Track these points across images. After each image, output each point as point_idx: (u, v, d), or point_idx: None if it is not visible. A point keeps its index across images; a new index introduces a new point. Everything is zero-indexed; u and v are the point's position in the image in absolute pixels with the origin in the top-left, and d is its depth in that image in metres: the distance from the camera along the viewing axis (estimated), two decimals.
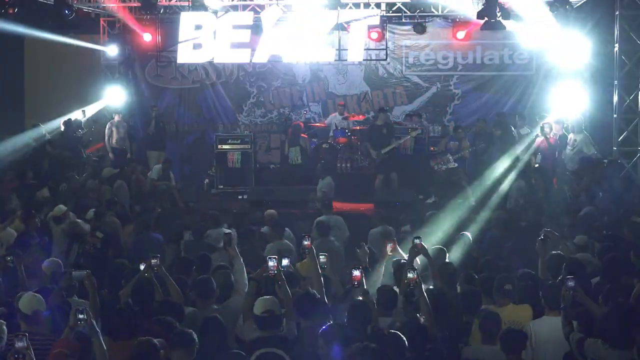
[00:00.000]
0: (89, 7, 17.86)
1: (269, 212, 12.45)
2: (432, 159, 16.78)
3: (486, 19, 16.15)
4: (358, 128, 17.92)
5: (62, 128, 17.75)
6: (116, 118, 18.18)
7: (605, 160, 16.01)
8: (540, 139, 16.17)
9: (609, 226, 11.15)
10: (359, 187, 16.68)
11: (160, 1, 17.28)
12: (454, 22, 18.59)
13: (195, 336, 6.22)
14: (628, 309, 6.45)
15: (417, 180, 16.56)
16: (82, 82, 18.97)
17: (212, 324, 6.73)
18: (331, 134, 18.02)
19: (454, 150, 16.59)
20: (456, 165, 16.47)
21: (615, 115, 17.45)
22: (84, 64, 18.96)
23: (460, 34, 18.59)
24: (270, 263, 7.26)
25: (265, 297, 6.89)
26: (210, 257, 9.17)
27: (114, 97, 18.95)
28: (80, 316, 6.08)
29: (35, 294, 6.99)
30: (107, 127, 18.22)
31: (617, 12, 17.17)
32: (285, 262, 7.77)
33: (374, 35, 17.47)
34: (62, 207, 12.02)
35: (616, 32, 17.30)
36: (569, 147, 16.41)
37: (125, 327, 6.71)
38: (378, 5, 17.62)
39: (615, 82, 17.35)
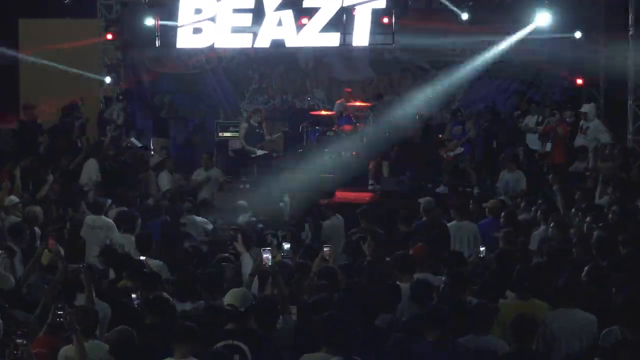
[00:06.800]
0: None
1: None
2: (441, 147, 16.81)
3: None
4: (363, 116, 17.89)
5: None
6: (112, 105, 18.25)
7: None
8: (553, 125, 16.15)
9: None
10: (365, 177, 16.68)
11: None
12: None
13: (197, 328, 6.34)
14: None
15: (425, 168, 16.58)
16: (79, 65, 18.88)
17: (213, 313, 6.88)
18: (336, 121, 17.96)
19: (458, 134, 16.61)
20: (462, 150, 16.51)
21: (630, 102, 17.40)
22: (81, 48, 18.85)
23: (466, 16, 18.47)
24: (265, 255, 7.31)
25: (235, 289, 7.00)
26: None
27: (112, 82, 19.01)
28: (60, 313, 6.16)
29: None
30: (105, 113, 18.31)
31: None
32: (286, 246, 8.04)
33: None
34: (14, 198, 12.08)
35: (630, 14, 17.22)
36: (581, 135, 16.42)
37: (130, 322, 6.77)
38: None
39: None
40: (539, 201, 12.31)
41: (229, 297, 6.88)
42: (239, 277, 8.15)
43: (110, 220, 11.58)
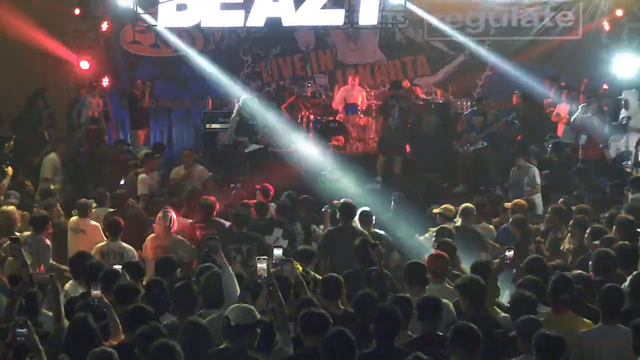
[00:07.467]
0: None
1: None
2: (456, 139, 16.67)
3: None
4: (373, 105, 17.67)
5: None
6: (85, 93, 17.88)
7: None
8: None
9: None
10: (374, 171, 16.38)
11: None
12: None
13: (179, 349, 6.31)
14: None
15: (441, 164, 16.60)
16: (48, 46, 18.55)
17: (193, 330, 6.85)
18: (340, 110, 17.73)
19: (478, 127, 16.27)
20: (485, 144, 16.18)
21: None
22: (50, 26, 18.57)
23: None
24: (259, 265, 7.25)
25: (237, 305, 6.94)
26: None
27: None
28: (20, 330, 5.94)
29: None
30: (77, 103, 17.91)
31: None
32: (278, 252, 7.75)
33: None
34: None
35: None
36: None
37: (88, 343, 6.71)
38: None
39: None
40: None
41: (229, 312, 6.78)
42: (219, 288, 7.97)
43: (97, 224, 11.60)
